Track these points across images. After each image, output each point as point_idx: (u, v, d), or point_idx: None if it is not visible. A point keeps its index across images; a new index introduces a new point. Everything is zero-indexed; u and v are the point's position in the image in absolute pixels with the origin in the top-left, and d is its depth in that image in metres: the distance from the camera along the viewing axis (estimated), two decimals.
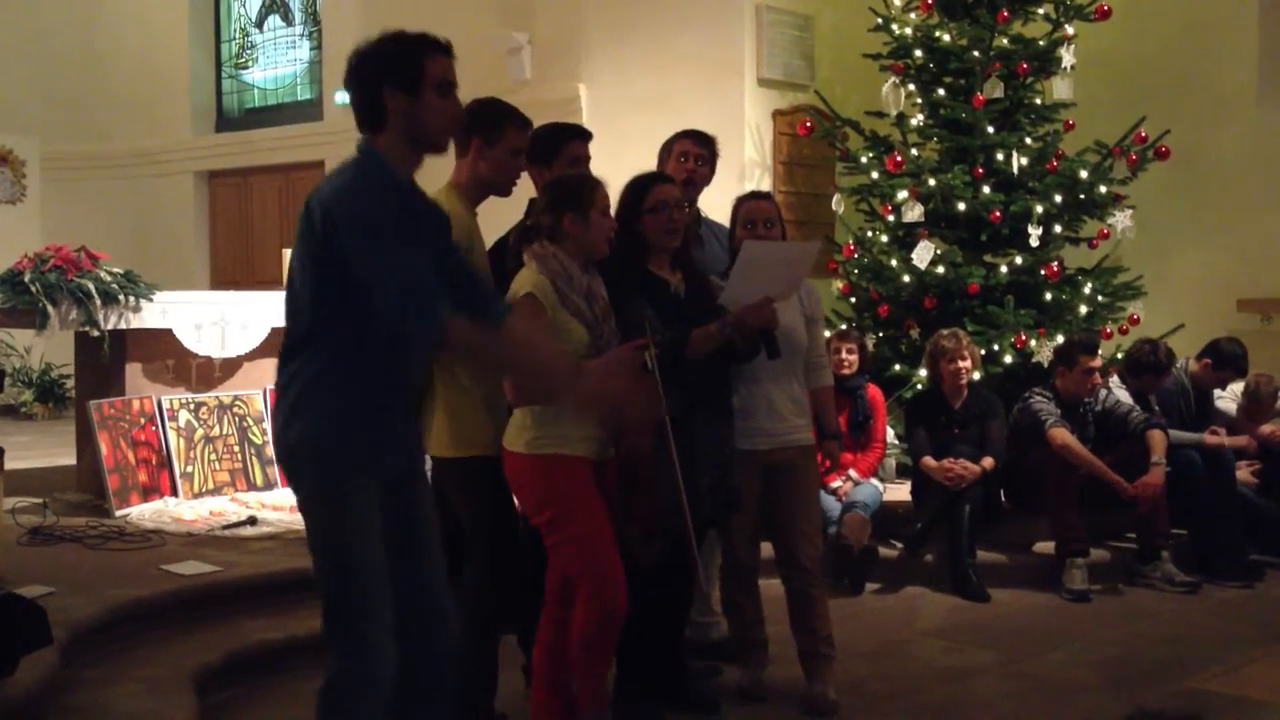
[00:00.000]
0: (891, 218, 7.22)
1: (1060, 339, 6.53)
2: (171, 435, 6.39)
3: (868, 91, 7.60)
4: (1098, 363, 6.10)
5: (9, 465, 5.28)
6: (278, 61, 11.90)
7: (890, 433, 6.50)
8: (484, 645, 3.69)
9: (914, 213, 6.99)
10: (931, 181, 6.99)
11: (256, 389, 6.88)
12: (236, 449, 6.63)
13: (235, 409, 6.71)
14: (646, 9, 8.40)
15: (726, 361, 3.91)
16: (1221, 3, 7.83)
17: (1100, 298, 7.13)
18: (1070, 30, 7.19)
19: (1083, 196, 7.09)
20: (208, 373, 6.77)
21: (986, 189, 6.96)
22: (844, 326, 6.92)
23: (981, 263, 7.10)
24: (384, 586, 2.85)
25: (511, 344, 2.97)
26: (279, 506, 6.17)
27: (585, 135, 4.17)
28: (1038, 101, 7.30)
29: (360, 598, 2.83)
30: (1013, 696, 4.41)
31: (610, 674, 3.73)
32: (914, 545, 5.90)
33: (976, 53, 7.11)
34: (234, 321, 6.63)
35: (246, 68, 12.12)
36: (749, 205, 4.26)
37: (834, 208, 7.53)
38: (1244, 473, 6.36)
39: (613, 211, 3.81)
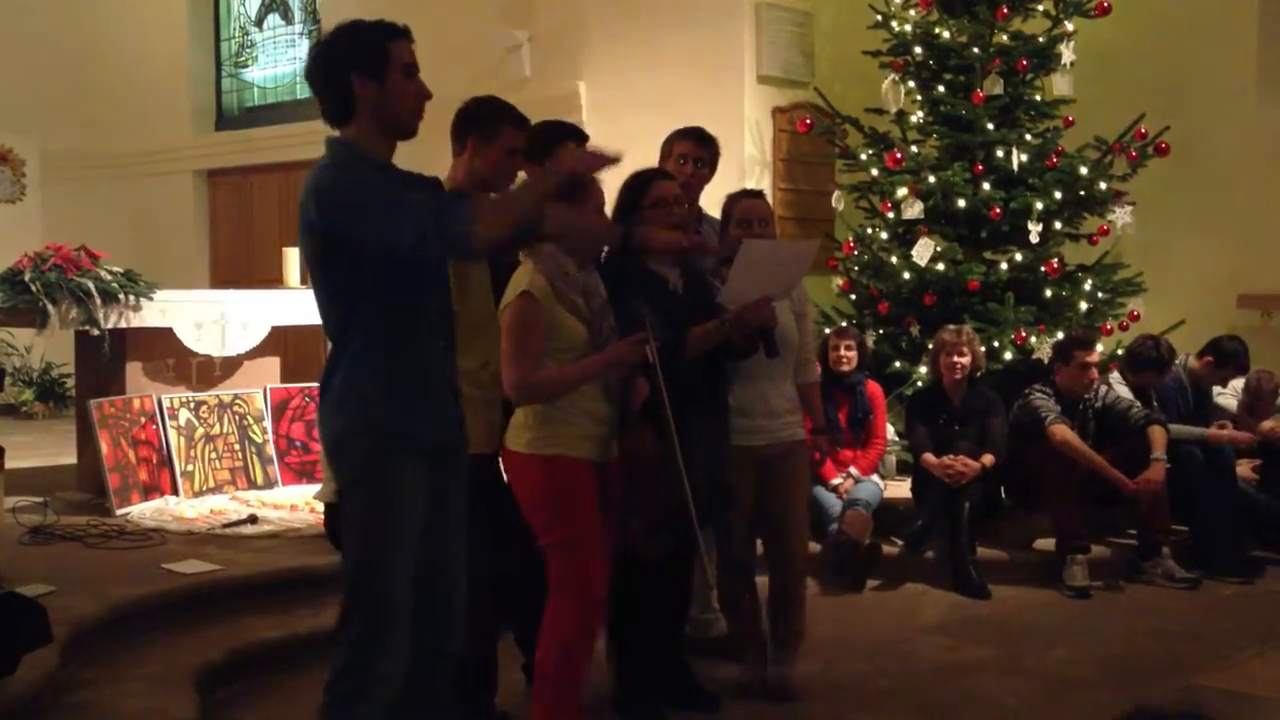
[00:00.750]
0: (891, 215, 7.21)
1: (1060, 336, 6.53)
2: (172, 434, 6.39)
3: (867, 88, 7.60)
4: (1095, 358, 6.10)
5: (9, 464, 5.28)
6: (277, 60, 11.89)
7: (890, 430, 6.51)
8: (485, 644, 3.69)
9: (914, 209, 6.98)
10: (931, 178, 6.98)
11: (257, 388, 6.89)
12: (237, 447, 6.63)
13: (235, 408, 6.71)
14: (646, 6, 8.40)
15: (724, 359, 3.93)
16: None
17: (1100, 294, 7.12)
18: (1070, 26, 7.18)
19: (1083, 193, 7.08)
20: (208, 371, 6.78)
21: (986, 186, 6.96)
22: (843, 323, 6.92)
23: (981, 259, 7.09)
24: (409, 586, 2.85)
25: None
26: (279, 505, 6.18)
27: (580, 137, 4.18)
28: (1037, 98, 7.29)
29: (385, 595, 2.83)
30: (1013, 693, 4.41)
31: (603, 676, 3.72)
32: (914, 542, 5.89)
33: (976, 49, 7.11)
34: (234, 320, 6.64)
35: (246, 66, 12.11)
36: (744, 204, 4.26)
37: (834, 205, 7.53)
38: (1244, 469, 6.36)
39: (610, 208, 3.82)
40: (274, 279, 8.50)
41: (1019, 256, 6.96)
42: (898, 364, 6.96)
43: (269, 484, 6.65)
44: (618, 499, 3.56)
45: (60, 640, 3.81)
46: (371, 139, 2.89)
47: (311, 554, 5.19)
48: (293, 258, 7.79)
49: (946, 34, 7.21)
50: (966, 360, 5.99)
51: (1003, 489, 6.25)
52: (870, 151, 7.38)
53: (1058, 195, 6.96)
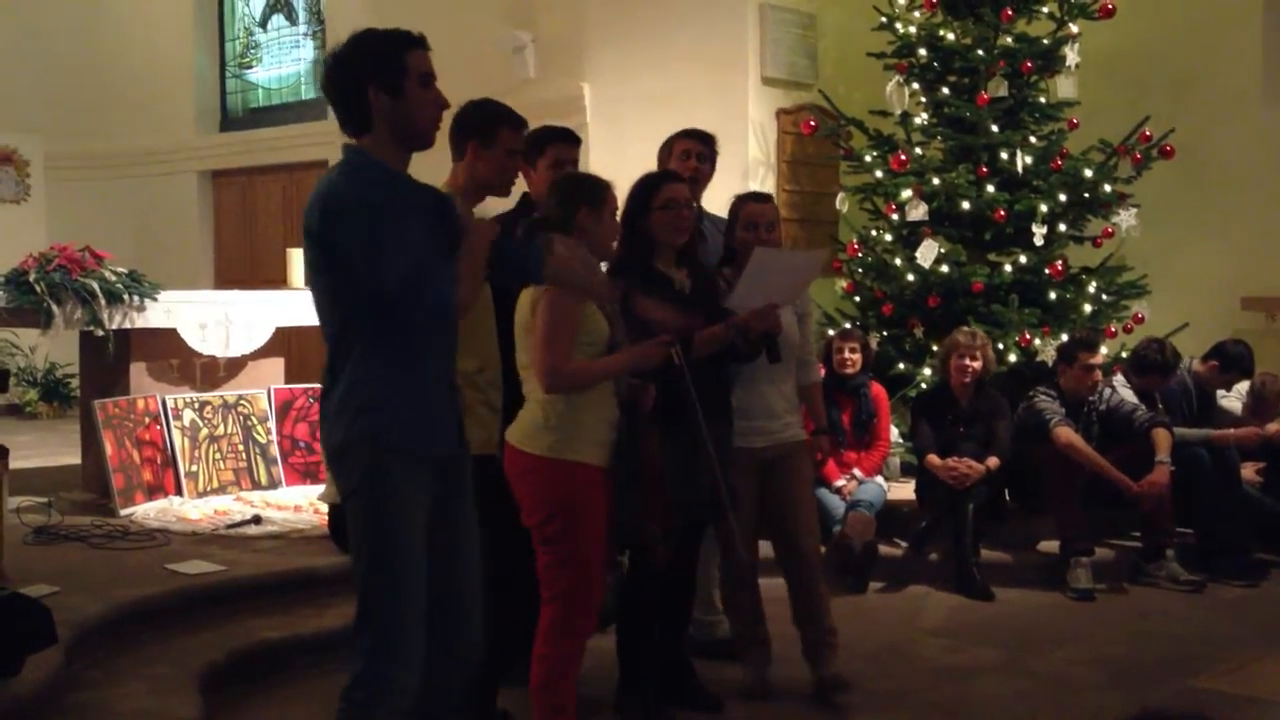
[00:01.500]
0: (895, 217, 7.20)
1: (1064, 338, 6.53)
2: (176, 434, 6.40)
3: (872, 90, 7.60)
4: (1098, 359, 6.09)
5: (14, 465, 5.29)
6: (282, 61, 11.90)
7: (894, 432, 6.50)
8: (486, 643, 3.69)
9: (918, 211, 6.98)
10: (935, 180, 6.98)
11: (261, 388, 6.89)
12: (241, 448, 6.63)
13: (240, 408, 6.71)
14: (650, 8, 8.40)
15: (727, 362, 3.94)
16: (1225, 1, 7.82)
17: (1104, 296, 7.12)
18: (1074, 29, 7.18)
19: (1087, 195, 7.07)
20: (212, 372, 6.78)
21: (991, 188, 6.95)
22: (848, 325, 6.91)
23: (985, 262, 7.09)
24: (420, 593, 2.85)
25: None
26: (283, 506, 6.18)
27: (571, 139, 4.19)
28: (1042, 100, 7.29)
29: (396, 603, 2.81)
30: (1017, 695, 4.41)
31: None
32: (918, 544, 5.89)
33: (980, 51, 7.11)
34: (238, 321, 6.64)
35: (250, 67, 12.12)
36: (750, 207, 4.28)
37: (838, 206, 7.52)
38: (1249, 472, 6.36)
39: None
40: (278, 280, 8.51)
41: (1023, 259, 6.95)
42: (901, 366, 6.95)
43: (273, 485, 6.65)
44: (612, 503, 3.56)
45: (64, 641, 3.81)
46: (387, 149, 2.87)
47: (315, 555, 5.20)
48: (297, 258, 7.78)
49: (951, 36, 7.21)
50: (978, 365, 5.99)
51: (1007, 491, 6.24)
52: (874, 153, 7.38)
53: (1062, 197, 6.95)
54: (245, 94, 12.16)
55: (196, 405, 6.55)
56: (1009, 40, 7.14)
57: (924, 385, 6.68)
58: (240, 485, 6.54)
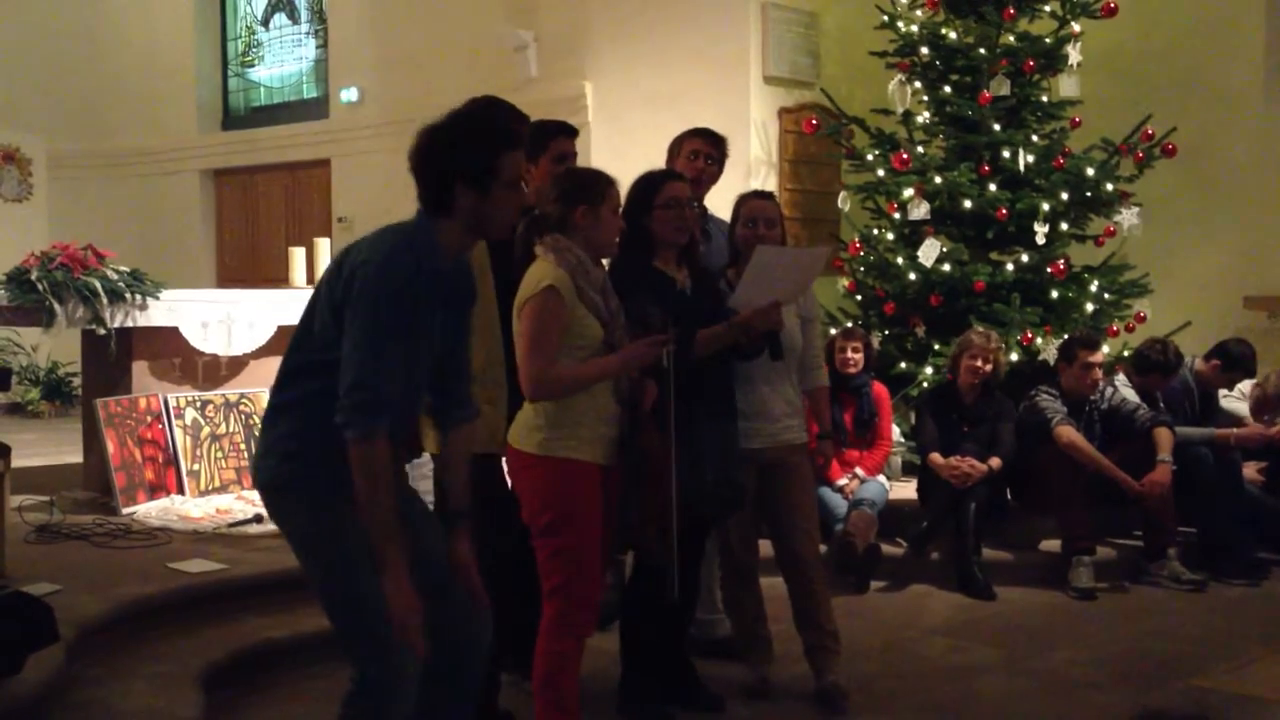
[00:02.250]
0: (897, 215, 7.20)
1: (1066, 337, 6.52)
2: (178, 433, 6.40)
3: (874, 89, 7.60)
4: (1097, 358, 6.08)
5: (16, 463, 5.29)
6: (284, 59, 11.90)
7: (896, 431, 6.50)
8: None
9: (920, 210, 6.98)
10: (937, 179, 6.98)
11: (263, 387, 6.88)
12: (243, 447, 6.64)
13: (242, 407, 6.72)
14: (652, 6, 8.40)
15: (730, 360, 3.93)
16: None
17: (1106, 295, 7.11)
18: (1077, 27, 7.17)
19: (1089, 194, 7.07)
20: (214, 371, 6.78)
21: (993, 186, 6.95)
22: (849, 324, 6.91)
23: (987, 260, 7.09)
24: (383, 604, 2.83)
25: (385, 488, 2.73)
26: None
27: (570, 131, 4.19)
28: (1044, 99, 7.29)
29: (376, 615, 2.75)
30: (1018, 695, 4.41)
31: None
32: (919, 543, 5.89)
33: (983, 50, 7.11)
34: (240, 319, 6.64)
35: (252, 66, 12.13)
36: (751, 204, 4.28)
37: (840, 205, 7.52)
38: (1251, 471, 6.35)
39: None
40: (280, 278, 8.51)
41: (1025, 257, 6.95)
42: (903, 365, 6.95)
43: None
44: (615, 501, 3.55)
45: (66, 639, 3.81)
46: (456, 235, 2.84)
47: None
48: (298, 257, 7.80)
49: (953, 35, 7.21)
50: (989, 368, 5.99)
51: (1008, 490, 6.24)
52: (876, 152, 7.38)
53: (1064, 196, 6.95)
54: (247, 92, 12.16)
55: (198, 404, 6.55)
56: (1011, 39, 7.14)
57: (925, 384, 6.68)
58: (242, 484, 6.54)
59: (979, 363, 5.98)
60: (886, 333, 7.16)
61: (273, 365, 7.35)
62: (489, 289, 3.67)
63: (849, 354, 6.08)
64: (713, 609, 4.69)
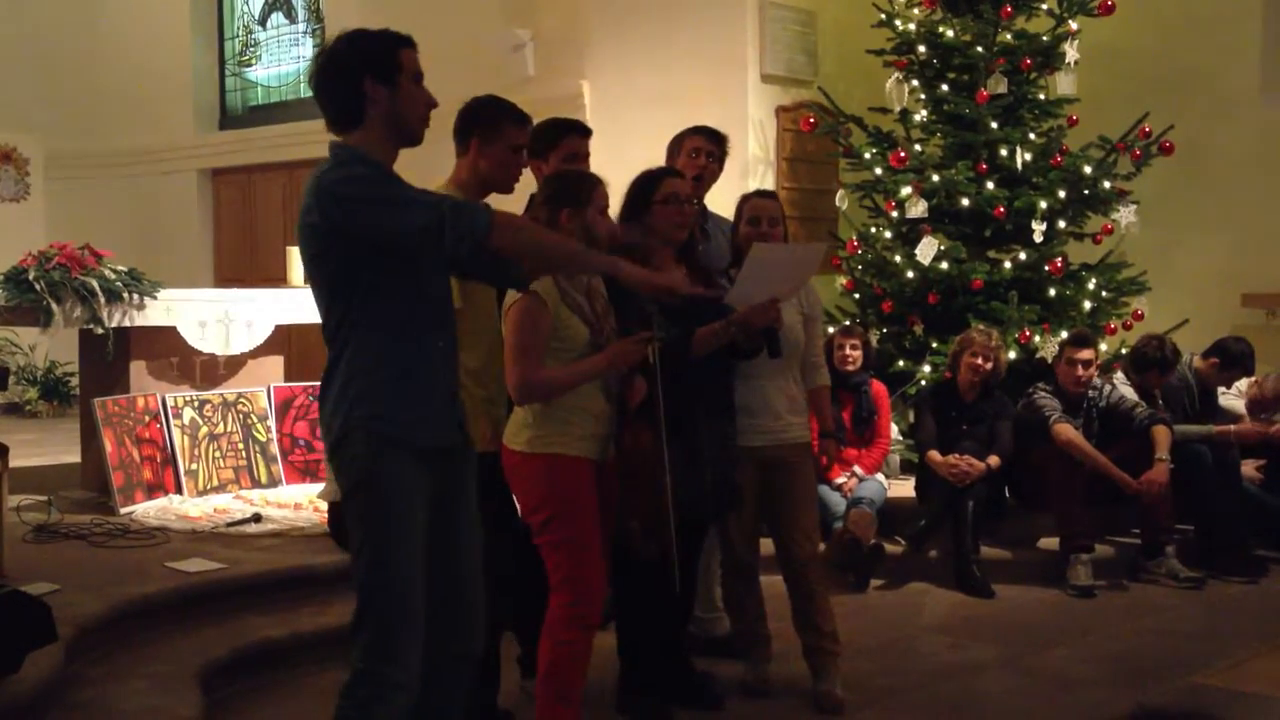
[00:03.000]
0: (895, 214, 7.20)
1: (1064, 335, 6.53)
2: (176, 433, 6.40)
3: (871, 87, 7.59)
4: (1084, 355, 6.08)
5: (14, 463, 5.28)
6: (281, 59, 11.89)
7: (894, 429, 6.50)
8: (487, 642, 3.69)
9: (918, 209, 6.98)
10: (935, 177, 6.98)
11: (261, 386, 6.89)
12: (241, 446, 6.64)
13: (239, 406, 6.72)
14: (649, 5, 8.39)
15: (729, 359, 3.93)
16: None
17: (1104, 293, 7.12)
18: (1074, 25, 7.17)
19: (1086, 192, 7.07)
20: (212, 370, 6.78)
21: (990, 185, 6.95)
22: (847, 323, 6.91)
23: (985, 259, 7.09)
24: (419, 591, 2.85)
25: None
26: (283, 504, 6.18)
27: (584, 131, 4.18)
28: (1041, 97, 7.29)
29: (394, 602, 2.81)
30: (1017, 692, 4.41)
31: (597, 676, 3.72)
32: (918, 541, 5.89)
33: (980, 48, 7.10)
34: (238, 319, 6.64)
35: (250, 65, 12.11)
36: (754, 203, 4.29)
37: (837, 204, 7.51)
38: (1249, 469, 6.36)
39: (619, 205, 3.81)
40: (278, 278, 8.51)
41: (1023, 255, 6.95)
42: (901, 363, 6.95)
43: (273, 483, 6.65)
44: (613, 498, 3.56)
45: (65, 639, 3.81)
46: (377, 145, 2.89)
47: (315, 553, 5.20)
48: (296, 256, 7.77)
49: (950, 33, 7.21)
50: (989, 367, 5.99)
51: (1006, 488, 6.24)
52: (874, 150, 7.37)
53: (1061, 194, 6.95)
54: (245, 92, 12.15)
55: (196, 403, 6.55)
56: (1008, 37, 7.14)
57: (923, 382, 6.68)
58: (240, 483, 6.54)
59: (980, 361, 5.98)
60: (884, 331, 7.15)
61: (271, 365, 7.43)
62: (490, 289, 3.67)
63: (847, 352, 6.08)
64: (712, 607, 4.70)
